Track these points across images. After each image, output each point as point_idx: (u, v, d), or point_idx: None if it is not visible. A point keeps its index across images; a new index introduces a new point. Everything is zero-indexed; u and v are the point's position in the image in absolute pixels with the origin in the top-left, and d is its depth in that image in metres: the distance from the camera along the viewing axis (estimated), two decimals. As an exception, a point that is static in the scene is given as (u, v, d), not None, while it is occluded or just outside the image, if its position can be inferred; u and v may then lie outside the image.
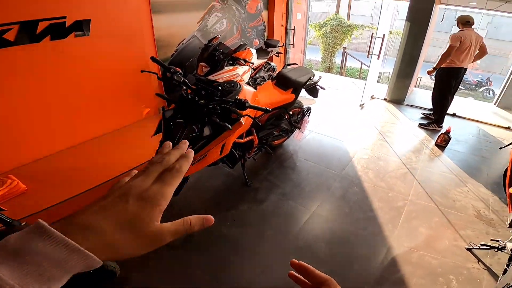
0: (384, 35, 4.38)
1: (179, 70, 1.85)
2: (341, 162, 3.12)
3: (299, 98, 2.90)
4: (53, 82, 2.68)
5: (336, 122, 4.10)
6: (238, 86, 2.06)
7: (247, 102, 1.72)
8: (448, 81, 3.80)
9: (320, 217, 2.40)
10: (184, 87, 1.85)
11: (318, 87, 2.97)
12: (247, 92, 2.11)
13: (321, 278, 0.45)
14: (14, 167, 2.53)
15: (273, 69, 4.86)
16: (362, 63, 8.90)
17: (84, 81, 2.90)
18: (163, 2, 3.43)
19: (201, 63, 3.46)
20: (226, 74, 3.49)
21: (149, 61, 3.38)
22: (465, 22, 3.56)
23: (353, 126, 4.02)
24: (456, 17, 3.82)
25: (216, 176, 2.77)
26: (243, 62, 3.61)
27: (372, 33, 4.53)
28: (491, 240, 2.04)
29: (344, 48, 10.59)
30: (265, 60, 4.48)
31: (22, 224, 1.36)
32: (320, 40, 10.84)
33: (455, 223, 2.36)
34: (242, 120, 1.96)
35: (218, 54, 3.48)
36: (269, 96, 2.52)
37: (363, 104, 4.69)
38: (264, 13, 5.19)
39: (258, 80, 4.48)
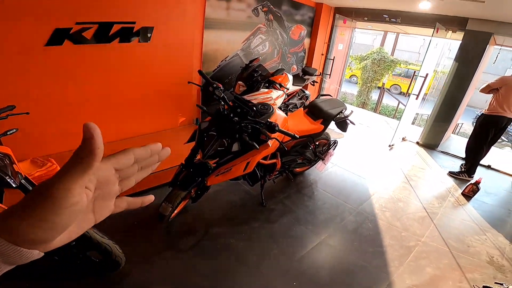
0: (427, 74, 4.31)
1: (221, 86, 2.02)
2: (359, 198, 3.11)
3: (327, 131, 2.97)
4: (110, 81, 2.96)
5: (362, 159, 4.08)
6: (271, 109, 2.18)
7: (277, 125, 1.83)
8: (485, 130, 3.58)
9: (328, 246, 2.41)
10: (222, 103, 2.00)
11: (348, 121, 3.02)
12: (278, 116, 2.23)
13: None
14: (58, 152, 2.78)
15: (307, 97, 4.95)
16: (399, 102, 8.76)
17: (136, 83, 3.17)
18: (215, 19, 3.70)
19: (239, 82, 3.64)
20: (260, 96, 3.65)
21: (194, 73, 3.74)
22: None
23: (378, 165, 3.98)
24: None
25: (235, 191, 2.88)
26: (278, 87, 3.75)
27: (414, 72, 4.49)
28: (495, 283, 1.99)
29: (383, 84, 10.49)
30: (300, 87, 4.61)
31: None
32: (358, 74, 10.81)
33: (464, 266, 2.31)
34: (270, 142, 2.07)
35: (256, 75, 3.64)
36: (298, 124, 2.62)
37: (392, 145, 4.62)
38: (306, 41, 5.38)
39: (290, 106, 4.60)
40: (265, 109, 2.15)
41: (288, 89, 4.00)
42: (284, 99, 4.21)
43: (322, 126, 2.75)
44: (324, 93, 5.81)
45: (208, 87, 2.02)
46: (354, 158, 4.04)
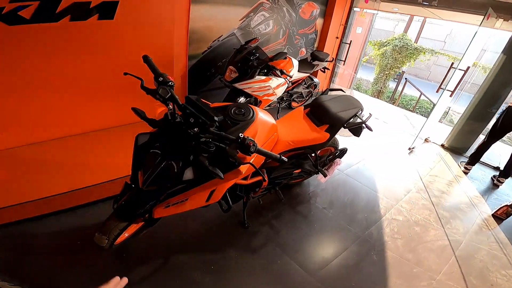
0: (468, 67, 3.58)
1: (172, 79, 1.38)
2: (367, 220, 2.51)
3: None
4: (62, 66, 2.37)
5: (374, 166, 3.41)
6: (251, 115, 1.54)
7: (254, 145, 1.14)
8: (501, 121, 3.29)
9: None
10: (170, 107, 1.35)
11: (364, 126, 2.31)
12: (261, 125, 1.56)
13: None
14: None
15: (315, 86, 4.29)
16: (421, 93, 7.88)
17: (99, 68, 2.57)
18: (206, -9, 3.04)
19: (230, 67, 3.02)
20: (256, 84, 3.02)
21: (176, 56, 3.08)
22: None
23: (395, 175, 3.31)
24: None
25: (211, 207, 2.29)
26: (279, 73, 3.11)
27: (452, 63, 3.74)
28: None
29: (403, 72, 9.56)
30: (308, 74, 3.93)
31: None
32: (377, 60, 9.88)
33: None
34: (242, 168, 1.44)
35: (252, 59, 3.01)
36: (294, 131, 1.96)
37: (413, 148, 3.93)
38: (319, 21, 4.60)
39: (294, 96, 3.95)
40: (242, 114, 1.51)
41: (291, 77, 3.35)
42: (287, 87, 3.57)
43: (327, 135, 2.04)
44: (336, 85, 5.08)
45: (158, 78, 1.38)
46: (365, 165, 3.38)
